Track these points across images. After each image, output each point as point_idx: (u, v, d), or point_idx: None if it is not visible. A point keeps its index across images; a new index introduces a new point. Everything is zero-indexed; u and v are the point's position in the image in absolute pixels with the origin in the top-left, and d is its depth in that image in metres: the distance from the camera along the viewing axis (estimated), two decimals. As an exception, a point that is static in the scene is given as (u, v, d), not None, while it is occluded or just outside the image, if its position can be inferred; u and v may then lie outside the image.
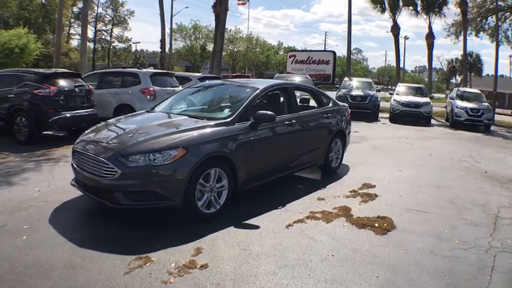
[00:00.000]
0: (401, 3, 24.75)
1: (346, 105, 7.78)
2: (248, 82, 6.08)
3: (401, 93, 17.65)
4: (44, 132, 9.05)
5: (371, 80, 19.94)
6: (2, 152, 7.41)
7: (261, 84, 5.70)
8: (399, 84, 20.25)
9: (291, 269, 3.33)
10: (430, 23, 24.43)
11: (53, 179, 5.77)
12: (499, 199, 5.80)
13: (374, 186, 6.07)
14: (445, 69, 60.29)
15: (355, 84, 18.63)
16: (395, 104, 16.55)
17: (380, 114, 17.88)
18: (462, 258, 3.69)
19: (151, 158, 3.95)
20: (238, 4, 60.41)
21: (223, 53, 56.14)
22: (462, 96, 16.95)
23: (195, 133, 4.33)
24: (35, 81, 8.20)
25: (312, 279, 3.17)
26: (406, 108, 16.25)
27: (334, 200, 5.28)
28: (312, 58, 24.98)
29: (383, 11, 25.62)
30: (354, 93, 17.21)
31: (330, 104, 6.87)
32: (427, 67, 28.26)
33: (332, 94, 12.43)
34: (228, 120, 4.69)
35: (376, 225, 4.38)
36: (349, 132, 7.34)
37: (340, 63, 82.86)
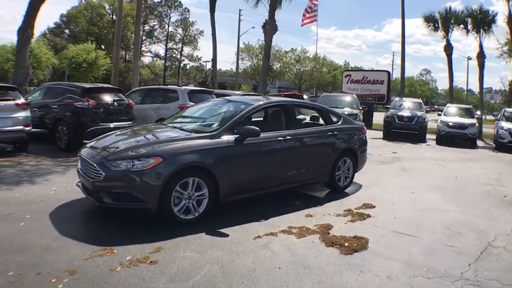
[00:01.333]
0: (452, 21, 23.64)
1: (362, 123, 7.75)
2: (250, 100, 6.33)
3: (449, 114, 16.93)
4: (84, 141, 10.01)
5: (420, 101, 19.24)
6: (39, 156, 8.42)
7: (258, 101, 5.95)
8: (448, 105, 19.39)
9: (231, 275, 3.50)
10: (480, 42, 22.96)
11: (73, 181, 6.39)
12: (503, 226, 5.44)
13: (374, 206, 5.98)
14: (507, 90, 55.94)
15: (405, 105, 18.20)
16: (442, 125, 15.95)
17: (429, 136, 17.21)
18: (418, 287, 3.55)
19: (131, 164, 4.38)
20: (303, 25, 61.17)
21: (290, 73, 57.46)
22: (508, 118, 15.81)
23: (176, 144, 4.70)
24: (77, 94, 9.19)
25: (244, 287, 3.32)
26: (451, 129, 15.67)
27: (321, 218, 5.31)
28: (366, 78, 24.64)
29: (436, 29, 24.63)
30: (400, 113, 16.85)
31: (340, 122, 6.91)
32: (480, 87, 26.39)
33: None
34: (213, 133, 5.00)
35: (346, 244, 4.36)
36: (363, 152, 7.28)
37: (408, 84, 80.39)
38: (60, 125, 9.26)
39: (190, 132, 5.16)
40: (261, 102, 5.96)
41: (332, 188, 6.77)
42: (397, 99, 19.58)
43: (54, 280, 3.22)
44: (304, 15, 45.22)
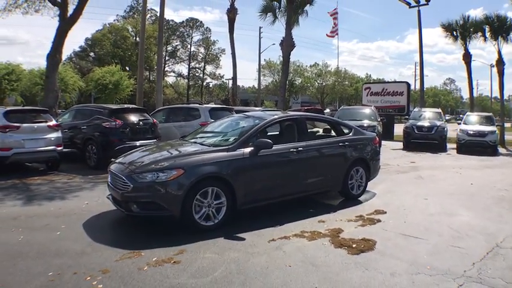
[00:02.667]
0: (470, 29, 23.53)
1: (374, 134, 8.05)
2: (266, 115, 6.79)
3: (469, 123, 16.86)
4: (112, 159, 10.67)
5: (440, 110, 19.21)
6: (70, 174, 9.10)
7: (272, 116, 6.40)
8: (467, 113, 19.27)
9: (246, 272, 3.89)
10: (499, 49, 22.72)
11: (103, 196, 6.93)
12: (513, 229, 5.59)
13: (385, 212, 6.24)
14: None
15: (424, 115, 18.26)
16: (461, 134, 15.91)
17: (450, 145, 17.16)
18: (420, 282, 3.79)
19: (156, 176, 4.86)
20: (328, 36, 61.57)
21: (312, 88, 57.80)
22: None
23: (196, 157, 5.18)
24: (105, 115, 9.88)
25: (259, 282, 3.69)
26: (471, 137, 15.64)
27: (333, 223, 5.63)
28: (386, 90, 24.72)
29: (455, 39, 24.56)
30: (420, 123, 16.93)
31: (351, 134, 7.26)
32: (500, 94, 25.97)
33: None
34: (229, 147, 5.46)
35: (354, 246, 4.67)
36: (375, 161, 7.57)
37: (432, 94, 79.18)
38: (89, 144, 9.94)
39: (209, 146, 5.64)
40: (275, 117, 6.43)
41: (345, 196, 7.08)
42: (416, 109, 19.63)
43: (88, 278, 3.69)
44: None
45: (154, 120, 10.87)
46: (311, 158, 6.36)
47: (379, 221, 5.78)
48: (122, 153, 9.95)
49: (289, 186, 6.09)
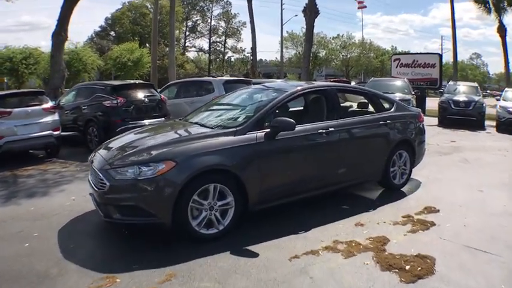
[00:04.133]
0: (505, 3, 21.13)
1: (418, 110, 6.64)
2: (286, 86, 5.44)
3: (508, 99, 14.89)
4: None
5: (477, 85, 17.34)
6: (68, 161, 8.07)
7: (295, 88, 5.03)
8: (506, 89, 17.22)
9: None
10: None
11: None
12: None
13: (437, 211, 4.91)
14: None
15: (460, 89, 16.55)
16: (501, 111, 14.05)
17: (488, 122, 15.37)
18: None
19: (138, 171, 3.67)
20: (359, 8, 59.03)
21: (336, 60, 55.71)
22: None
23: (192, 144, 3.94)
24: (106, 93, 8.74)
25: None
26: None
27: (375, 228, 4.35)
28: (417, 61, 22.90)
29: (488, 11, 22.25)
30: (456, 98, 15.20)
31: (393, 109, 5.85)
32: None
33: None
34: (237, 129, 4.18)
35: (408, 267, 3.40)
36: (420, 143, 6.16)
37: (459, 68, 74.97)
38: (90, 126, 8.88)
39: (212, 128, 4.37)
40: (298, 88, 5.01)
41: (386, 187, 5.76)
42: (451, 83, 17.90)
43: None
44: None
45: (162, 97, 9.67)
46: (345, 141, 5.00)
47: (432, 224, 4.46)
48: (125, 135, 9.11)
49: (316, 179, 4.79)
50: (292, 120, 4.22)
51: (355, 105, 6.35)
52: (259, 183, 4.14)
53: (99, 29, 53.08)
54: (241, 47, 62.42)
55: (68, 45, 22.75)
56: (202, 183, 3.78)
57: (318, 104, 5.30)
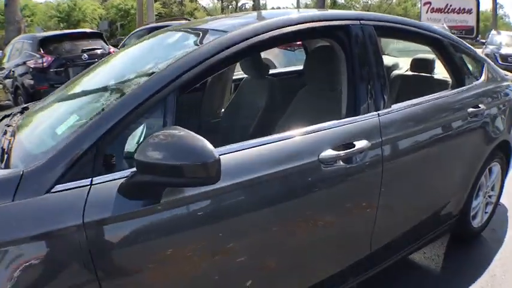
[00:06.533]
0: None
1: (508, 77, 3.31)
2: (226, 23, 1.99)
3: None
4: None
5: None
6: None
7: (249, 24, 1.63)
8: None
9: None
10: None
11: None
12: None
13: None
14: None
15: (505, 41, 13.45)
16: None
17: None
18: None
19: None
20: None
21: (357, 6, 52.19)
22: None
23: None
24: (32, 49, 6.68)
25: None
26: None
27: None
28: (450, 6, 20.14)
29: None
30: (503, 51, 12.44)
31: (483, 78, 2.59)
32: None
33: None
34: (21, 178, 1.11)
35: None
36: None
37: (483, 18, 67.95)
38: (19, 95, 6.93)
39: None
40: (256, 26, 1.60)
41: (457, 235, 2.73)
42: (494, 32, 14.83)
43: None
44: None
45: (112, 50, 7.45)
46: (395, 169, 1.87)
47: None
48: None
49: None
50: (209, 147, 1.14)
51: (402, 66, 3.42)
52: None
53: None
54: (255, -6, 58.57)
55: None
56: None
57: (323, 71, 2.11)
